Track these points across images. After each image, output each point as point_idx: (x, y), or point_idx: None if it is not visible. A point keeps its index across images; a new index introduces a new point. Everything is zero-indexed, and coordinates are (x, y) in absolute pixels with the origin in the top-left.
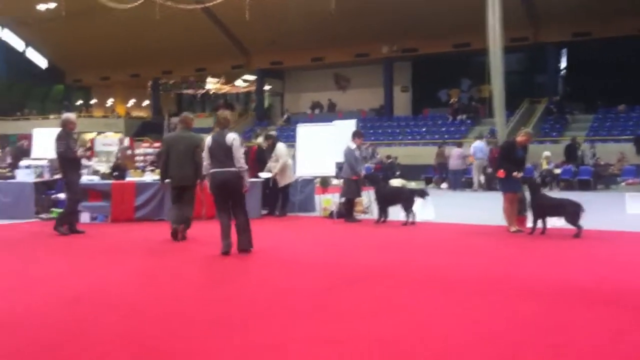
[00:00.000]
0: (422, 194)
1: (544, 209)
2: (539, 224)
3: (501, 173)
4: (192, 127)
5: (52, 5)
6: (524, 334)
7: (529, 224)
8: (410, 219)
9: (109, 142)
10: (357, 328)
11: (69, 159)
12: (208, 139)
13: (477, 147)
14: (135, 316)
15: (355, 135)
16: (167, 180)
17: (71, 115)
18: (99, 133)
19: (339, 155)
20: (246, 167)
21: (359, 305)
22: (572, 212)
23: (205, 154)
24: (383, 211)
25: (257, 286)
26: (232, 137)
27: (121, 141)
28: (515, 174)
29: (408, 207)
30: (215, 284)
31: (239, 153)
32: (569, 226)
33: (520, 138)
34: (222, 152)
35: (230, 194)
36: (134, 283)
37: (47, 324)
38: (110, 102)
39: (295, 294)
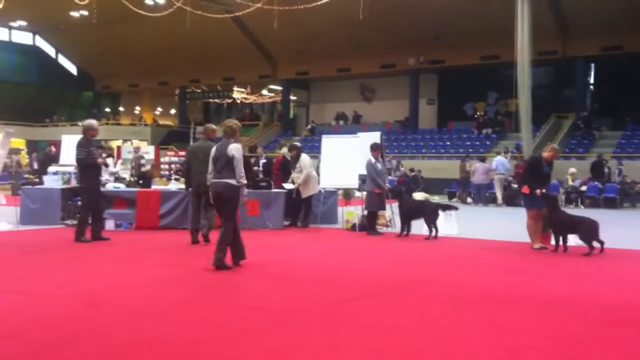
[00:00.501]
0: (450, 208)
1: (561, 226)
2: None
3: (526, 189)
4: (214, 138)
5: (85, 12)
6: (547, 348)
7: (553, 241)
8: (433, 234)
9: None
10: (379, 339)
11: (89, 166)
12: (213, 149)
13: (499, 162)
14: (156, 320)
15: (372, 147)
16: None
17: (93, 122)
18: (125, 141)
19: (362, 167)
20: (245, 181)
21: (380, 318)
22: (587, 229)
23: (210, 164)
24: (406, 225)
25: (278, 295)
26: (233, 149)
27: (136, 150)
28: (537, 191)
29: (431, 222)
30: (236, 291)
31: (239, 165)
32: (596, 244)
33: (546, 154)
34: (222, 163)
35: (221, 206)
36: (155, 288)
37: (68, 325)
38: (137, 109)
39: (317, 304)
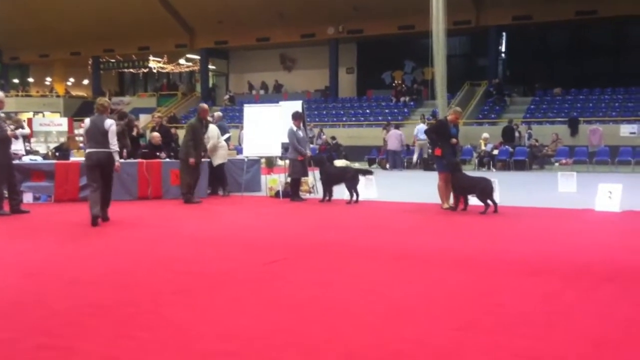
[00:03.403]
0: (367, 173)
1: (460, 187)
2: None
3: (438, 151)
4: (205, 117)
5: None
6: (461, 297)
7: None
8: (354, 198)
9: (47, 122)
10: (306, 294)
11: None
12: (86, 122)
13: (420, 129)
14: (90, 287)
15: (294, 116)
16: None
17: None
18: (37, 113)
19: (285, 136)
20: (118, 149)
21: (306, 275)
22: (481, 189)
23: (83, 135)
24: (328, 191)
25: (206, 260)
26: (109, 123)
27: (18, 122)
28: (453, 140)
29: (352, 187)
30: (164, 257)
31: (114, 137)
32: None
33: (450, 116)
34: (99, 135)
35: (103, 171)
36: (83, 258)
37: (8, 293)
38: (48, 80)
39: (244, 266)
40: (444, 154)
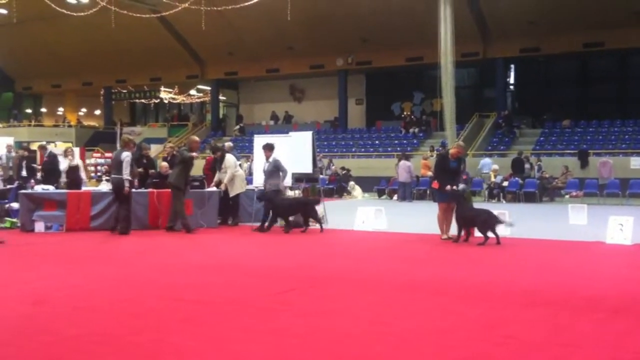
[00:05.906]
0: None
1: (463, 218)
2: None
3: (435, 184)
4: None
5: (4, 11)
6: (472, 328)
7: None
8: (318, 226)
9: (59, 152)
10: (315, 324)
11: None
12: (114, 154)
13: (484, 164)
14: (98, 314)
15: (263, 147)
16: None
17: None
18: (49, 142)
19: (294, 166)
20: (129, 177)
21: (314, 305)
22: (482, 222)
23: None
24: (285, 221)
25: (214, 289)
26: (124, 155)
27: (8, 149)
28: (447, 187)
29: (311, 216)
30: (172, 286)
31: (127, 167)
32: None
33: (453, 150)
34: (116, 164)
35: (116, 192)
36: (92, 286)
37: (17, 322)
38: (60, 110)
39: (252, 295)
40: (441, 187)
